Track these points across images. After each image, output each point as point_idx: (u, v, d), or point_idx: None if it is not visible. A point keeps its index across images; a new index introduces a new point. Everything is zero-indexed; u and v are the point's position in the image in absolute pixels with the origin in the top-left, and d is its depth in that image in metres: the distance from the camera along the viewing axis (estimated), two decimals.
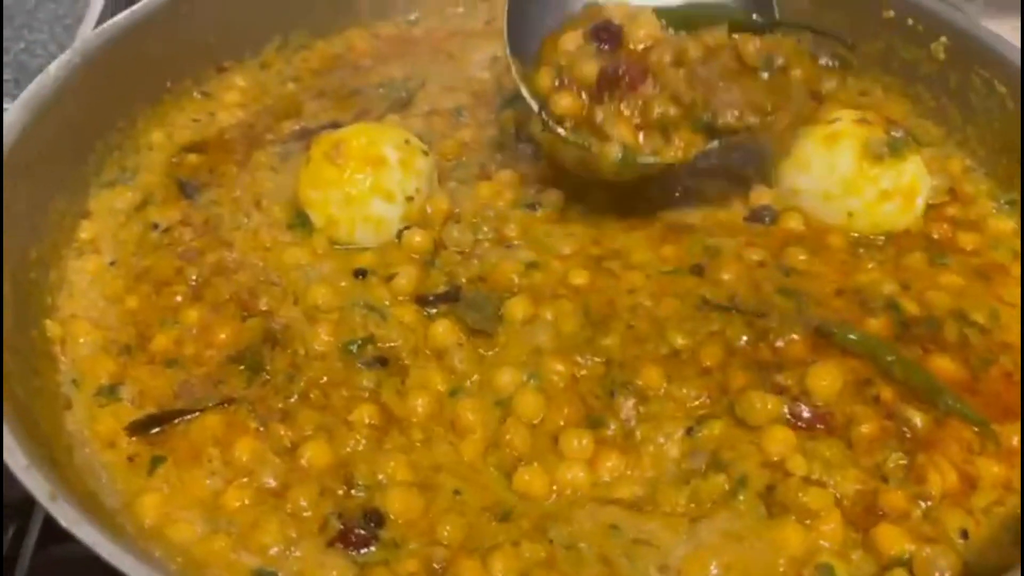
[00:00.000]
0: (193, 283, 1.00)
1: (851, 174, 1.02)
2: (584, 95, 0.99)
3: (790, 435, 0.85)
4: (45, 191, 1.01)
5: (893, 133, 1.03)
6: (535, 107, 1.00)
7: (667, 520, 0.82)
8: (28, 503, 0.94)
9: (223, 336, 0.94)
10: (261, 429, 0.87)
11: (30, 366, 0.89)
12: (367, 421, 0.88)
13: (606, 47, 1.01)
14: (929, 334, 0.95)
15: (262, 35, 1.27)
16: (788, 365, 0.91)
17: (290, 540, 0.80)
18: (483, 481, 0.85)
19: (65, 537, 0.92)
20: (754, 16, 1.04)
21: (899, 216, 1.04)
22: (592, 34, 1.02)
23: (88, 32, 1.42)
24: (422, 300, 0.97)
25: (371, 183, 1.00)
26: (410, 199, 1.02)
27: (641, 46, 1.01)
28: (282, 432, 0.87)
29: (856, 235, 1.04)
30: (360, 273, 1.00)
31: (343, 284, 0.99)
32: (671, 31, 1.02)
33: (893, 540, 0.80)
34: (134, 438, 0.87)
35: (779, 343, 0.93)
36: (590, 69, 0.99)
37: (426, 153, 1.06)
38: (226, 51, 1.24)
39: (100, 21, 1.44)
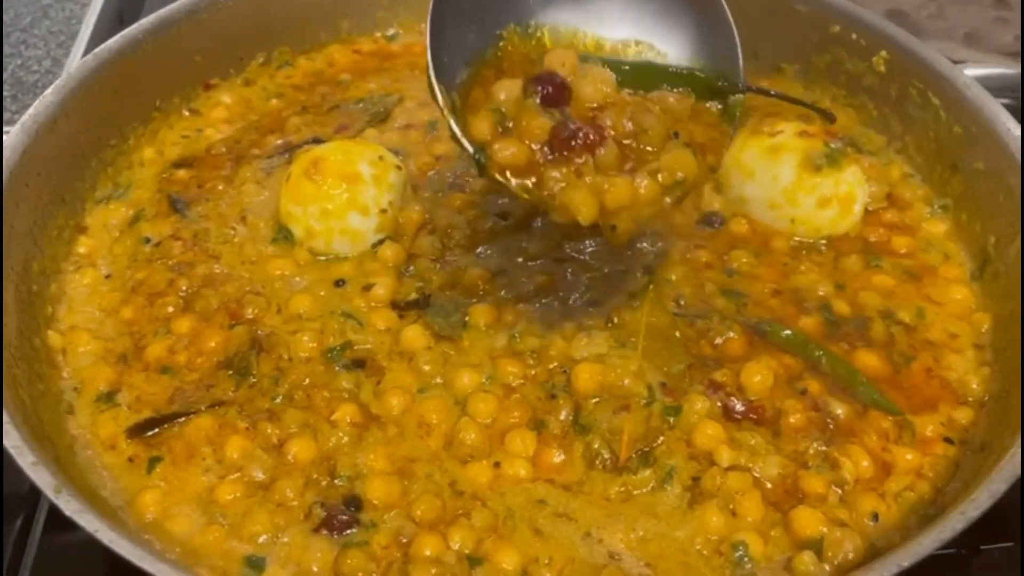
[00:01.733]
0: (183, 294, 1.06)
1: (792, 184, 1.10)
2: (534, 147, 0.90)
3: (719, 430, 0.93)
4: (45, 208, 1.08)
5: (831, 144, 1.10)
6: (469, 149, 0.90)
7: (592, 499, 0.90)
8: (34, 495, 1.02)
9: (212, 344, 1.01)
10: (249, 428, 0.94)
11: (34, 372, 0.96)
12: (348, 420, 0.95)
13: (552, 107, 0.90)
14: (857, 332, 1.03)
15: (246, 53, 1.33)
16: (725, 362, 0.99)
17: (278, 528, 0.87)
18: (446, 467, 0.93)
19: (68, 526, 1.00)
20: (720, 82, 0.97)
21: (838, 222, 1.12)
22: (535, 88, 0.90)
23: (81, 48, 1.49)
24: (396, 306, 1.04)
25: (347, 198, 1.07)
26: (384, 211, 1.10)
27: (592, 105, 0.92)
28: (269, 431, 0.94)
29: (799, 239, 1.12)
30: (339, 283, 1.07)
31: (323, 293, 1.06)
32: (626, 91, 0.94)
33: (808, 522, 0.87)
34: (133, 440, 0.94)
35: (718, 341, 1.00)
36: (541, 125, 0.89)
37: (399, 167, 1.13)
38: (212, 69, 1.30)
39: (93, 37, 1.50)
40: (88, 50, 1.40)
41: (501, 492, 0.91)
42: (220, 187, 1.19)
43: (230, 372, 0.99)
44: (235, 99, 1.32)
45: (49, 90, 1.12)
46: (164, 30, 1.23)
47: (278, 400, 0.97)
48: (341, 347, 1.01)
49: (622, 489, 0.90)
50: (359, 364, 1.00)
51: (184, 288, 1.07)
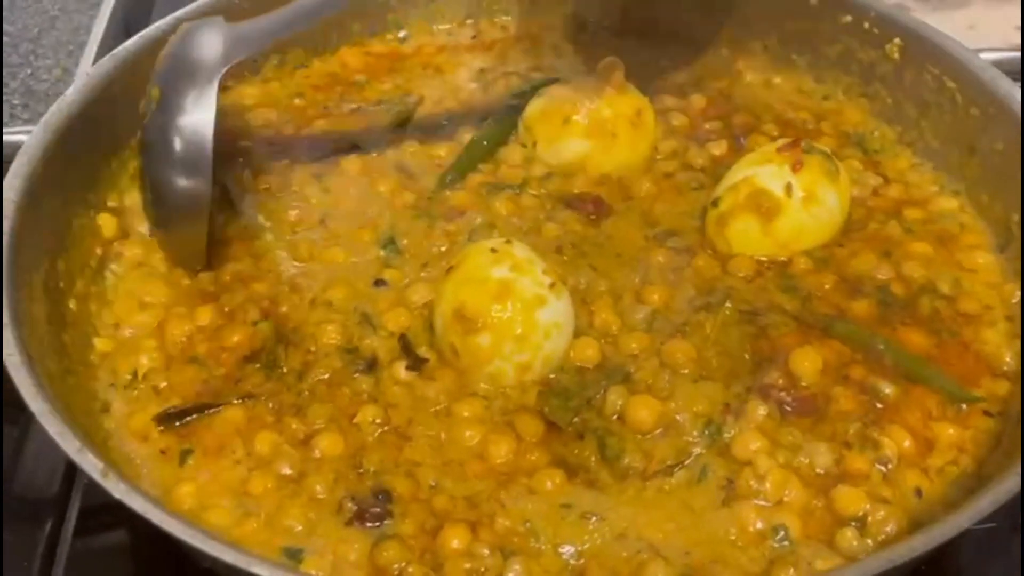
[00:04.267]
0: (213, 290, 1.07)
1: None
2: None
3: (759, 438, 0.92)
4: (68, 206, 1.07)
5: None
6: None
7: (622, 498, 0.89)
8: (63, 498, 1.02)
9: (237, 338, 1.01)
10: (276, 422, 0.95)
11: (64, 367, 0.96)
12: (371, 419, 0.95)
13: None
14: (907, 311, 1.04)
15: (260, 56, 1.32)
16: (780, 360, 0.99)
17: (311, 521, 0.87)
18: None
19: (98, 529, 1.00)
20: None
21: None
22: None
23: (91, 57, 1.49)
24: None
25: None
26: None
27: None
28: (295, 426, 0.94)
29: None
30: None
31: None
32: None
33: (851, 500, 0.87)
34: (162, 430, 0.94)
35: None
36: None
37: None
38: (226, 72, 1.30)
39: (101, 47, 1.50)
40: (97, 59, 1.40)
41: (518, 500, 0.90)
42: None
43: (257, 365, 1.00)
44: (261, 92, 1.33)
45: (70, 89, 1.12)
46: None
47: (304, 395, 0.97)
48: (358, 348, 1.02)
49: (651, 491, 0.90)
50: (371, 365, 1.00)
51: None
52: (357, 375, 0.99)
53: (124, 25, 1.59)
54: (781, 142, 1.10)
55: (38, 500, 1.02)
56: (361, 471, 0.91)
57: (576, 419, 0.93)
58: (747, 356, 0.99)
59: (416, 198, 1.18)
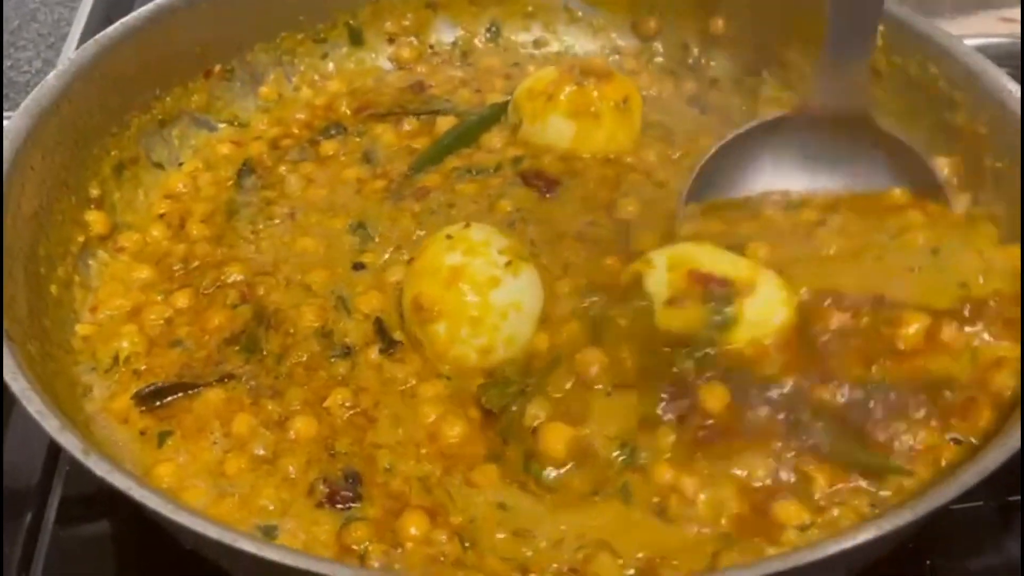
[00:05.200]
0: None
1: None
2: None
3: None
4: (49, 192, 1.06)
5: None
6: None
7: (555, 504, 0.88)
8: (44, 489, 1.01)
9: (218, 321, 1.02)
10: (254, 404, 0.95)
11: (46, 352, 0.95)
12: (341, 402, 0.95)
13: None
14: None
15: (246, 43, 1.32)
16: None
17: (284, 502, 0.88)
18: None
19: (79, 520, 0.99)
20: None
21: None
22: None
23: (72, 48, 1.48)
24: None
25: None
26: None
27: None
28: (271, 408, 0.94)
29: None
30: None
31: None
32: None
33: (791, 515, 0.84)
34: (143, 411, 0.94)
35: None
36: None
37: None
38: (213, 58, 1.29)
39: (83, 39, 1.49)
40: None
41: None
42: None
43: (237, 348, 1.00)
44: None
45: (51, 75, 1.11)
46: (163, 18, 1.22)
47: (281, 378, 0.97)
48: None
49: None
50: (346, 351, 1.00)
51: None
52: (334, 359, 0.99)
53: (105, 17, 1.58)
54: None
55: (18, 490, 1.01)
56: (333, 453, 0.91)
57: (513, 408, 0.92)
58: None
59: (387, 182, 1.19)
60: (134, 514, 0.85)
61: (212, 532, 0.68)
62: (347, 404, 0.95)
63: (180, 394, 0.95)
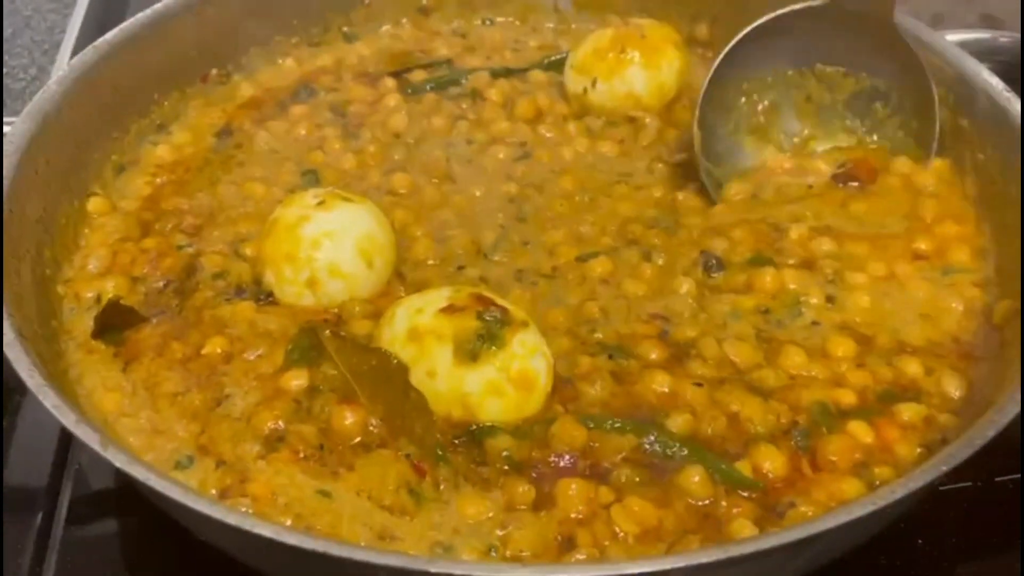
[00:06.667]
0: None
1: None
2: None
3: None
4: (53, 196, 1.08)
5: (487, 317, 0.89)
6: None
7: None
8: (54, 489, 1.02)
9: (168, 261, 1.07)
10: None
11: (55, 352, 0.97)
12: (218, 350, 0.97)
13: None
14: None
15: (241, 48, 1.35)
16: None
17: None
18: None
19: (90, 518, 1.00)
20: None
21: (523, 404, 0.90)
22: None
23: (67, 55, 1.49)
24: None
25: None
26: None
27: None
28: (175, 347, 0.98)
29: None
30: None
31: None
32: None
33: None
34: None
35: None
36: None
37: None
38: (208, 63, 1.32)
39: (76, 46, 1.50)
40: (73, 57, 1.40)
41: None
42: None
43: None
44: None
45: (52, 81, 1.13)
46: (160, 24, 1.24)
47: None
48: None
49: None
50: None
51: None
52: (225, 301, 1.02)
53: (98, 23, 1.60)
54: None
55: (29, 490, 1.02)
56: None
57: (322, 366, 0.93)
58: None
59: None
60: (146, 510, 0.86)
61: (231, 520, 0.70)
62: (219, 351, 0.97)
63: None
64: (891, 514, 0.78)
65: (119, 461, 0.73)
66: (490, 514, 0.82)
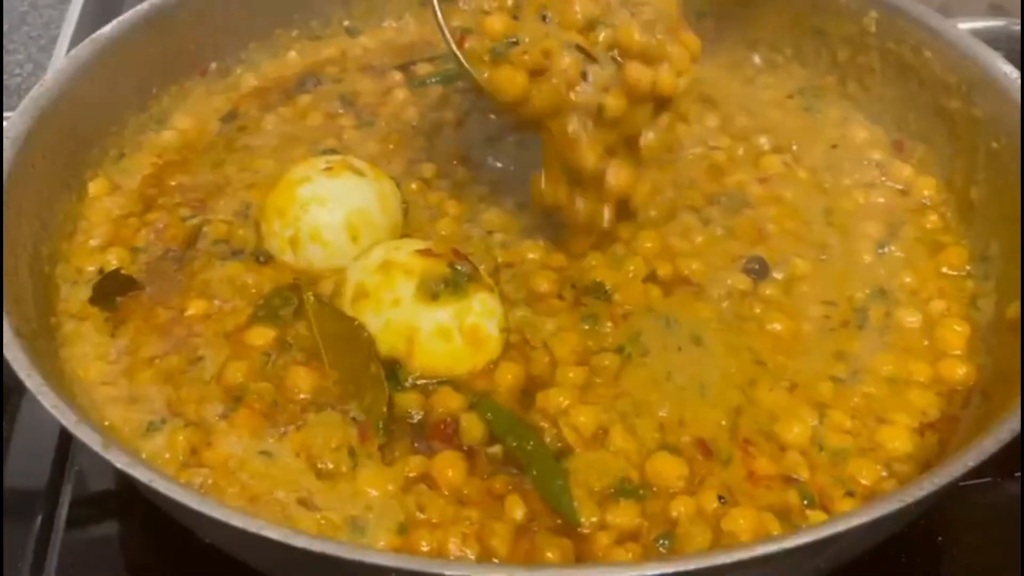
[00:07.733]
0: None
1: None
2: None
3: None
4: (51, 192, 1.06)
5: (458, 267, 0.94)
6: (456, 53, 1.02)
7: None
8: (54, 492, 1.00)
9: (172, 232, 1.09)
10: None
11: (52, 349, 0.95)
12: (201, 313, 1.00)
13: None
14: None
15: (240, 42, 1.33)
16: None
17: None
18: None
19: (90, 521, 0.99)
20: None
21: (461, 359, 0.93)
22: None
23: (63, 50, 1.48)
24: None
25: None
26: None
27: None
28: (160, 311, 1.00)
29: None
30: None
31: None
32: None
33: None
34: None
35: None
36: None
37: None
38: (207, 57, 1.30)
39: (73, 41, 1.49)
40: (69, 52, 1.38)
41: None
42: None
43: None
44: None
45: (49, 75, 1.11)
46: (158, 17, 1.22)
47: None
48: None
49: None
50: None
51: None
52: (219, 261, 1.04)
53: (95, 18, 1.58)
54: None
55: (28, 491, 1.00)
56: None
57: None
58: None
59: None
60: (146, 512, 0.85)
61: (236, 522, 0.68)
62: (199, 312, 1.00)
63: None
64: (915, 511, 0.77)
65: (120, 462, 0.72)
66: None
